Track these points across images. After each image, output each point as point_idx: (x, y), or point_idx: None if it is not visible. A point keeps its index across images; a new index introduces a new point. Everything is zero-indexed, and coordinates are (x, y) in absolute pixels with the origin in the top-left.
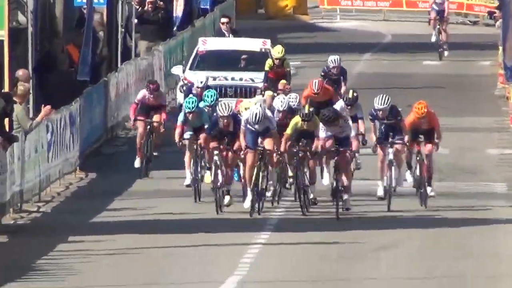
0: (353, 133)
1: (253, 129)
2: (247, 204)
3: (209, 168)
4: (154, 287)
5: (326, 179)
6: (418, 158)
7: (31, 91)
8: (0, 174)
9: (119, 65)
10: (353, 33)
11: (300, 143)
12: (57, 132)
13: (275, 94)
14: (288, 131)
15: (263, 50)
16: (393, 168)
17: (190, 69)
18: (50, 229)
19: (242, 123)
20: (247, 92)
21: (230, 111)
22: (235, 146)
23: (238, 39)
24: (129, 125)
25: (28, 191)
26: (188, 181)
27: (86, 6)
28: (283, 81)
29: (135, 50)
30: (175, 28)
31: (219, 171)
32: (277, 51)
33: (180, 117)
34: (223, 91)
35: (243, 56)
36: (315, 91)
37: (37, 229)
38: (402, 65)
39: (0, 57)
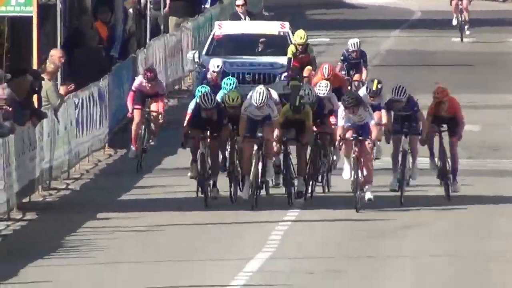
0: (373, 122)
1: (253, 116)
2: (245, 195)
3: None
4: (183, 263)
5: (346, 172)
6: (440, 149)
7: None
8: (30, 151)
9: (147, 41)
10: (381, 9)
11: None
12: (86, 109)
13: (301, 84)
14: (280, 119)
15: (281, 33)
16: (407, 159)
17: (206, 54)
18: (79, 206)
19: (243, 109)
20: (266, 77)
21: (214, 103)
22: (222, 136)
23: (255, 22)
24: (129, 116)
25: (57, 168)
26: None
27: None
28: (308, 67)
29: (164, 26)
30: (205, 5)
31: (205, 163)
32: (299, 36)
33: (191, 105)
34: (240, 77)
35: (261, 40)
36: (326, 76)
37: (65, 206)
38: (431, 42)
39: (30, 33)
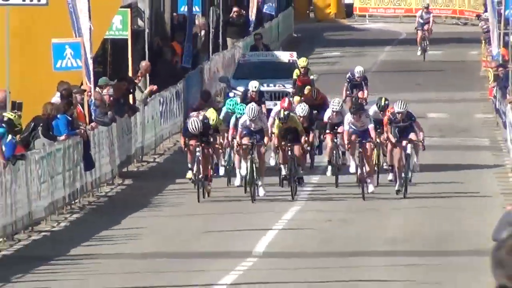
0: (371, 125)
1: (249, 129)
2: (237, 182)
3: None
4: (214, 233)
5: (352, 167)
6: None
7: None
8: (127, 134)
9: (210, 56)
10: (378, 32)
11: (288, 140)
12: (167, 104)
13: (302, 99)
14: (275, 130)
15: (290, 60)
16: (409, 160)
17: (234, 77)
18: (163, 175)
19: (239, 125)
20: (280, 95)
21: (201, 123)
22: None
23: (270, 52)
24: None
25: (147, 147)
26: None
27: (187, 14)
28: (308, 87)
29: (222, 45)
30: (250, 28)
31: (200, 166)
32: (302, 61)
33: (232, 120)
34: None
35: (276, 66)
36: (314, 97)
37: (153, 174)
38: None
39: (126, 50)
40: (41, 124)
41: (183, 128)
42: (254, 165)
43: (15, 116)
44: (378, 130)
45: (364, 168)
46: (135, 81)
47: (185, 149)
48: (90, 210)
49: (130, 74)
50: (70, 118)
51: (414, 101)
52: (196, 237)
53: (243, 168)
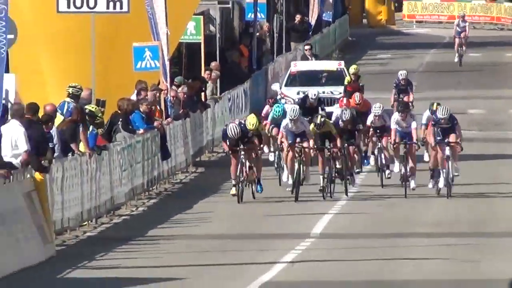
0: (414, 124)
1: (291, 131)
2: (284, 178)
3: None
4: (274, 217)
5: (396, 167)
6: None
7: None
8: (200, 128)
9: (274, 58)
10: (424, 36)
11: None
12: (235, 101)
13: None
14: (313, 135)
15: (339, 69)
16: (450, 162)
17: (285, 85)
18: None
19: (282, 128)
20: (329, 102)
21: (239, 130)
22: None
23: (319, 61)
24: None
25: (217, 139)
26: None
27: (253, 21)
28: (356, 95)
29: (285, 48)
30: (310, 33)
31: (243, 168)
32: (353, 68)
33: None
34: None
35: (324, 74)
36: (357, 102)
37: (223, 163)
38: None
39: (199, 53)
40: (121, 119)
41: (223, 134)
42: (301, 166)
43: (95, 109)
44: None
45: (407, 167)
46: (208, 80)
47: (230, 152)
48: (165, 195)
49: (202, 74)
50: (144, 115)
51: (456, 97)
52: (259, 220)
53: (285, 173)
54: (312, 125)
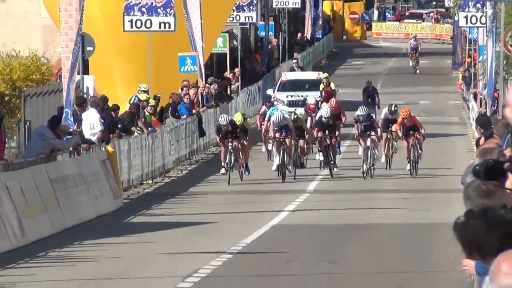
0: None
1: (279, 126)
2: (274, 167)
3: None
4: (279, 182)
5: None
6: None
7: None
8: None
9: (280, 64)
10: (387, 48)
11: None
12: (251, 95)
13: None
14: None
15: (318, 78)
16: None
17: (277, 91)
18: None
19: (271, 123)
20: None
21: (228, 121)
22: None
23: (303, 72)
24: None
25: None
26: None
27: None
28: (332, 99)
29: (287, 56)
30: (308, 46)
31: (232, 157)
32: (324, 75)
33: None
34: (297, 103)
35: (307, 83)
36: (332, 105)
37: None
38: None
39: (225, 60)
40: (170, 108)
41: (216, 128)
42: (285, 153)
43: (152, 101)
44: (390, 128)
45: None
46: (231, 80)
47: (220, 143)
48: (202, 163)
49: (228, 75)
50: (187, 105)
51: (411, 92)
52: (269, 182)
53: (277, 158)
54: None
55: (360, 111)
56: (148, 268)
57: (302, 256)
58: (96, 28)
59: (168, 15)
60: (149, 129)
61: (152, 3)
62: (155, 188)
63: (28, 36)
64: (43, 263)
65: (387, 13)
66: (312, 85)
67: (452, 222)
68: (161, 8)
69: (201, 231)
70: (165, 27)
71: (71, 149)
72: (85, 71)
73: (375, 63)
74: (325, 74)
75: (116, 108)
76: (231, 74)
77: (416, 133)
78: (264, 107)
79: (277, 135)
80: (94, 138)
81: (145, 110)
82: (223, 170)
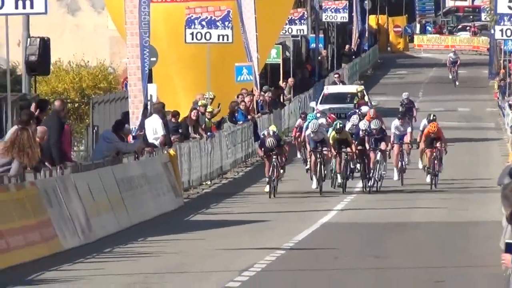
0: (409, 130)
1: (313, 138)
2: (314, 186)
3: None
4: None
5: (395, 175)
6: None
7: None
8: (280, 119)
9: (329, 74)
10: (428, 59)
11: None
12: (303, 102)
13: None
14: (330, 140)
15: (358, 90)
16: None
17: (320, 103)
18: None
19: (306, 136)
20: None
21: (272, 133)
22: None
23: (344, 86)
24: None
25: (291, 126)
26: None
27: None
28: (371, 110)
29: (336, 67)
30: (354, 57)
31: (275, 170)
32: (359, 88)
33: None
34: (340, 115)
35: (348, 95)
36: (371, 116)
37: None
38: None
39: (279, 70)
40: (228, 114)
41: (260, 142)
42: (322, 166)
43: (212, 108)
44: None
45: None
46: (284, 89)
47: (264, 157)
48: (257, 165)
49: (281, 84)
50: (243, 111)
51: (450, 100)
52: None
53: (314, 180)
54: (333, 131)
55: (373, 125)
56: (206, 263)
57: (350, 252)
58: (160, 40)
59: (226, 28)
60: (208, 134)
61: (211, 17)
62: (213, 188)
63: (96, 47)
64: (109, 258)
65: (427, 27)
66: (353, 98)
67: (489, 220)
68: (220, 22)
69: (256, 228)
70: (223, 39)
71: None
72: (149, 79)
73: (417, 72)
74: (360, 87)
75: (176, 114)
76: (284, 83)
77: (438, 144)
78: (299, 120)
79: (312, 148)
80: (157, 142)
81: (204, 116)
82: (267, 188)
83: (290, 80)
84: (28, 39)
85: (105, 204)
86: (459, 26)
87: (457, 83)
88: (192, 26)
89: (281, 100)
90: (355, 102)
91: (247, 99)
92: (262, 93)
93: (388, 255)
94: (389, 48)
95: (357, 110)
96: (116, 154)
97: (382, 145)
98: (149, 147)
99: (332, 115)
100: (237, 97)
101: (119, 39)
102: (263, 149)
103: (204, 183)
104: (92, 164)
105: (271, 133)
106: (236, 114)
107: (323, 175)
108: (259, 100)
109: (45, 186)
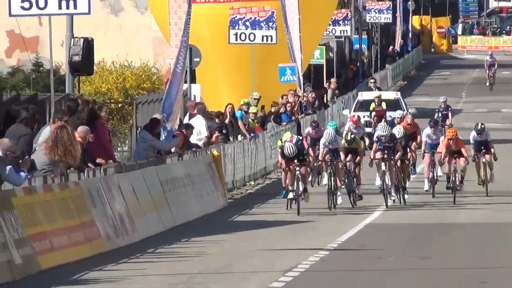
0: (442, 139)
1: (329, 147)
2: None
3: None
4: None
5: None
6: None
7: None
8: (322, 120)
9: (372, 73)
10: (471, 60)
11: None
12: (347, 102)
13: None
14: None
15: (395, 98)
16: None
17: (354, 111)
18: None
19: (321, 145)
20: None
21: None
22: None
23: (381, 92)
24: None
25: None
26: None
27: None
28: (408, 117)
29: (379, 67)
30: (397, 58)
31: (300, 182)
32: (376, 94)
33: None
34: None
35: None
36: (408, 122)
37: None
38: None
39: (322, 71)
40: (272, 115)
41: (281, 150)
42: (332, 177)
43: (255, 109)
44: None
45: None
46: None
47: (286, 169)
48: None
49: (324, 85)
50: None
51: (493, 101)
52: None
53: (325, 178)
54: (343, 141)
55: (381, 131)
56: (250, 263)
57: (393, 253)
58: (203, 41)
59: (270, 28)
60: (252, 134)
61: (255, 17)
62: (257, 189)
63: (139, 48)
64: (153, 258)
65: (472, 28)
66: (389, 105)
67: None
68: (264, 22)
69: (299, 229)
70: (267, 40)
71: (173, 150)
72: (192, 80)
73: (460, 73)
74: (378, 93)
75: (220, 114)
76: (327, 83)
77: (459, 158)
78: (309, 128)
79: (327, 157)
80: (200, 143)
81: (248, 117)
82: (291, 195)
83: (333, 81)
84: (72, 40)
85: (149, 204)
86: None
87: (493, 87)
88: (236, 27)
89: (324, 101)
90: (371, 109)
91: (290, 99)
92: (306, 93)
93: (431, 255)
94: (432, 49)
95: (393, 116)
96: (159, 154)
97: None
98: (192, 148)
99: (354, 117)
100: (282, 97)
101: (162, 40)
102: (284, 158)
103: (247, 183)
104: (135, 165)
105: (294, 140)
106: (281, 115)
107: (333, 189)
108: (302, 101)
109: (88, 186)
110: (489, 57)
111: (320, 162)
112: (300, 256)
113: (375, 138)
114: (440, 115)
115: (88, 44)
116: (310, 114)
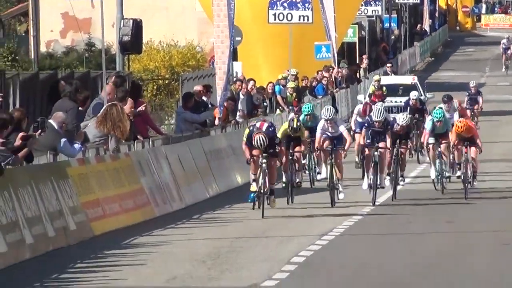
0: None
1: (326, 134)
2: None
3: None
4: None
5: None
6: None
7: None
8: (356, 95)
9: (402, 51)
10: (494, 37)
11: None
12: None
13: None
14: (279, 135)
15: (413, 83)
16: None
17: (369, 96)
18: None
19: (319, 130)
20: (402, 109)
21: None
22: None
23: (397, 76)
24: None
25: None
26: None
27: (389, 28)
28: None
29: (408, 45)
30: (424, 36)
31: (266, 178)
32: (376, 78)
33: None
34: (391, 109)
35: (401, 87)
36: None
37: None
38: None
39: (355, 48)
40: (308, 89)
41: (247, 137)
42: (334, 169)
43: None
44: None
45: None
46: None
47: (250, 160)
48: None
49: (357, 61)
50: (323, 86)
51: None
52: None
53: (324, 171)
54: (285, 125)
55: (375, 116)
56: (288, 228)
57: (422, 218)
58: (244, 20)
59: (306, 9)
60: (290, 107)
61: None
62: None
63: (185, 28)
64: (198, 224)
65: (495, 7)
66: (406, 90)
67: None
68: (301, 3)
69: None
70: (304, 20)
71: (216, 123)
72: (234, 57)
73: (484, 50)
74: (377, 77)
75: (261, 90)
76: (360, 60)
77: (470, 146)
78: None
79: (326, 144)
80: (237, 116)
81: (286, 90)
82: (253, 187)
83: (365, 57)
84: (122, 21)
85: (194, 174)
86: None
87: (508, 71)
88: (275, 8)
89: (357, 76)
90: (370, 92)
91: (326, 74)
92: (340, 69)
93: (458, 220)
94: (457, 27)
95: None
96: (203, 127)
97: (381, 144)
98: (232, 121)
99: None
100: (317, 73)
101: (206, 20)
102: (250, 147)
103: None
104: (182, 137)
105: (264, 126)
106: (316, 88)
107: (335, 182)
108: (337, 76)
109: (138, 157)
110: (506, 40)
111: (317, 152)
112: (334, 221)
113: (365, 124)
114: (469, 99)
115: (137, 25)
116: (344, 88)
